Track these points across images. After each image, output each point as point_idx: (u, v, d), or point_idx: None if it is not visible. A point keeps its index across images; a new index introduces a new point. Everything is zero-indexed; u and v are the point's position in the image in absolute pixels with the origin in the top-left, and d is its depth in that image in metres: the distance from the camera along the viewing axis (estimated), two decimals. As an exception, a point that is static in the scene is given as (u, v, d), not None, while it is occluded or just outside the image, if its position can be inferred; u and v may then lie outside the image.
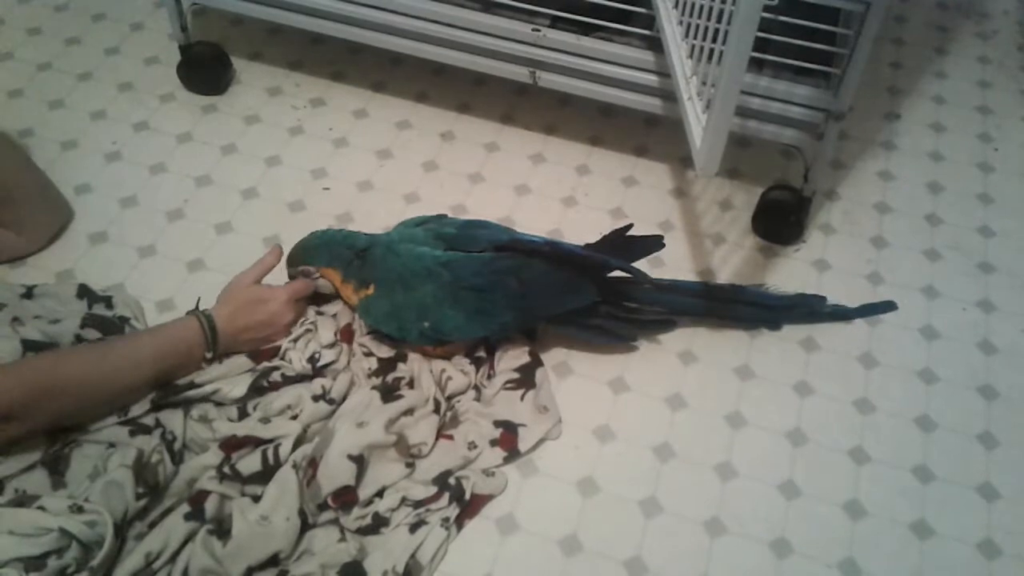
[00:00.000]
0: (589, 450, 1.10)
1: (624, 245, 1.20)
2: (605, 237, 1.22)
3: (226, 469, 1.00)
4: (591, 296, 1.13)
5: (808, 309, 1.24)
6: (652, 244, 1.20)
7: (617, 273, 1.17)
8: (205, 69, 1.47)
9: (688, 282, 1.24)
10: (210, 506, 0.97)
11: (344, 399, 1.09)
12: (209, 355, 1.07)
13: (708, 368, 1.19)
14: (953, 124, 1.53)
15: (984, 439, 1.14)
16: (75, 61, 1.52)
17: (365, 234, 1.16)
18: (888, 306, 1.26)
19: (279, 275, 1.17)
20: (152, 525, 0.96)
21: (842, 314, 1.24)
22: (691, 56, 1.13)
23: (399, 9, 1.31)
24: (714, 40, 1.05)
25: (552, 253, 1.13)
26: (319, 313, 1.16)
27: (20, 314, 1.10)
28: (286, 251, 1.17)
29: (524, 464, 1.09)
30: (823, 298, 1.25)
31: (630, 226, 1.21)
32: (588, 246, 1.20)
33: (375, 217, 1.32)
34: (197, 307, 1.12)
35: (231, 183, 1.36)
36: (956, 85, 1.60)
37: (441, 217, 1.21)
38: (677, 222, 1.35)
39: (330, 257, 1.13)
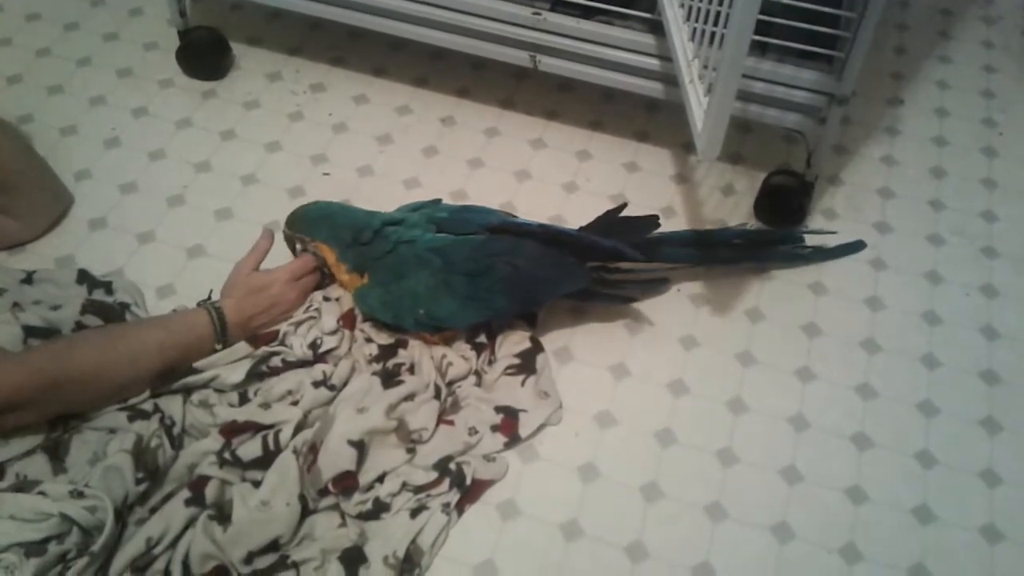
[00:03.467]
0: (590, 436, 1.10)
1: (619, 226, 1.19)
2: (599, 218, 1.22)
3: (226, 455, 0.99)
4: (584, 280, 1.13)
5: (790, 247, 1.27)
6: (647, 224, 1.19)
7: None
8: (204, 55, 1.47)
9: (679, 232, 1.26)
10: (210, 491, 0.97)
11: (345, 385, 1.08)
12: (219, 347, 1.07)
13: (710, 354, 1.19)
14: (957, 109, 1.52)
15: (986, 424, 1.14)
16: (74, 47, 1.51)
17: (369, 216, 1.14)
18: (859, 245, 1.29)
19: (278, 258, 1.16)
20: (153, 510, 0.96)
21: (821, 256, 1.27)
22: (692, 39, 1.12)
23: (399, -7, 1.31)
24: (716, 23, 1.04)
25: (544, 234, 1.12)
26: (325, 299, 1.15)
27: (20, 299, 1.09)
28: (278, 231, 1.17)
29: (525, 449, 1.08)
30: (801, 236, 1.28)
31: (624, 206, 1.21)
32: (583, 228, 1.20)
33: (375, 203, 1.31)
34: (209, 298, 1.11)
35: (231, 169, 1.36)
36: (960, 70, 1.58)
37: (436, 202, 1.21)
38: (679, 207, 1.35)
39: (329, 234, 1.12)
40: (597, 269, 1.17)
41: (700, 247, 1.23)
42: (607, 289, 1.17)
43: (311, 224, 1.14)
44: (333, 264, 1.13)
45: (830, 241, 1.30)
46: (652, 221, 1.19)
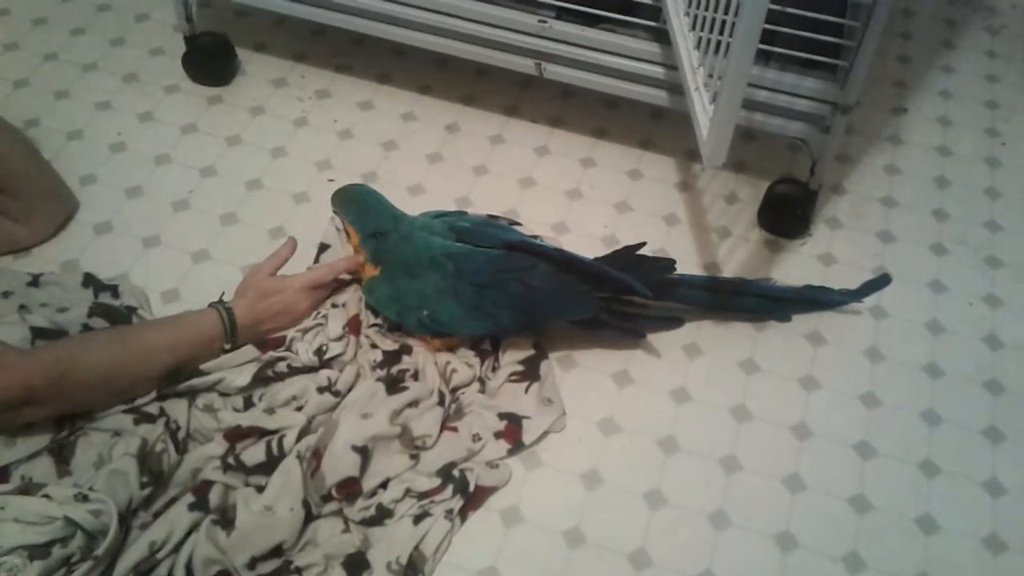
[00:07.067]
0: (593, 443, 1.10)
1: (634, 263, 1.18)
2: (616, 252, 1.21)
3: (230, 459, 0.99)
4: (593, 309, 1.12)
5: (814, 299, 1.24)
6: (663, 266, 1.18)
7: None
8: (210, 60, 1.47)
9: (696, 276, 1.24)
10: (214, 496, 0.97)
11: (349, 391, 1.08)
12: (228, 347, 1.07)
13: (713, 362, 1.19)
14: (960, 119, 1.52)
15: (990, 434, 1.14)
16: (80, 52, 1.52)
17: (393, 213, 1.16)
18: (884, 280, 1.25)
19: (296, 266, 1.16)
20: (156, 515, 0.96)
21: (849, 296, 1.24)
22: (698, 47, 1.13)
23: (404, 0, 1.31)
24: (721, 32, 1.04)
25: (559, 259, 1.13)
26: (333, 305, 1.16)
27: (27, 302, 1.10)
28: (297, 234, 1.19)
29: (528, 456, 1.08)
30: (829, 289, 1.25)
31: (642, 244, 1.21)
32: (598, 258, 1.19)
33: (380, 209, 1.32)
34: (221, 300, 1.12)
35: (236, 174, 1.36)
36: (964, 79, 1.59)
37: (461, 213, 1.22)
38: (682, 215, 1.35)
39: (356, 217, 1.16)
40: (609, 300, 1.16)
41: (716, 293, 1.21)
42: (616, 320, 1.16)
43: (345, 203, 1.18)
44: (356, 245, 1.16)
45: (852, 283, 1.26)
46: (668, 264, 1.18)
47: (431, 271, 1.10)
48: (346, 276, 1.19)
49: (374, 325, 1.15)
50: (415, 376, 1.11)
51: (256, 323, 1.09)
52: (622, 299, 1.17)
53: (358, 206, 1.17)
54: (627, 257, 1.19)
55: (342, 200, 1.18)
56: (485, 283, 1.09)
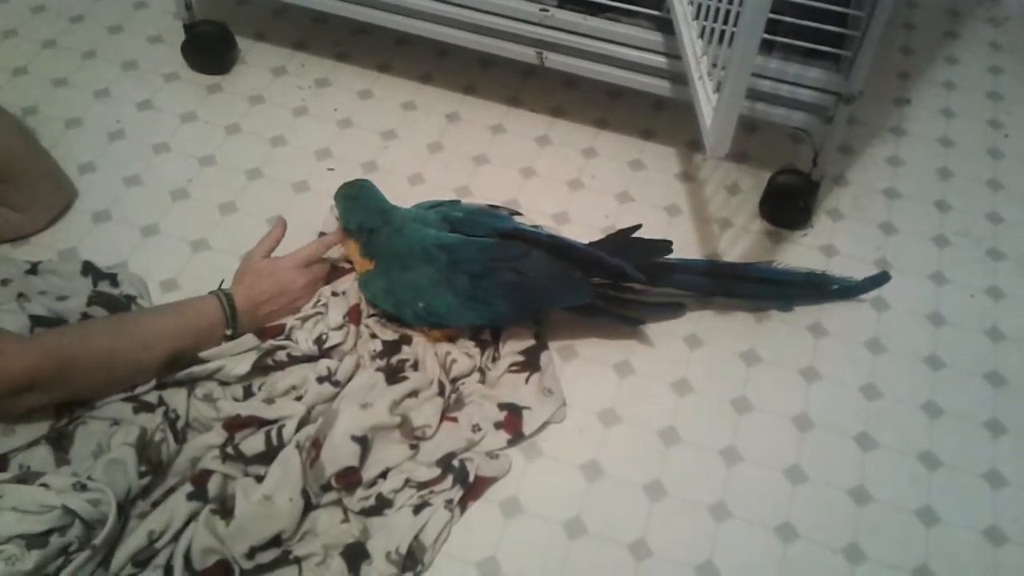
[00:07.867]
0: (594, 433, 1.10)
1: (630, 246, 1.18)
2: (611, 236, 1.21)
3: (229, 449, 0.99)
4: (588, 295, 1.12)
5: (815, 287, 1.23)
6: (659, 248, 1.17)
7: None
8: (209, 48, 1.46)
9: (694, 260, 1.23)
10: (213, 485, 0.97)
11: (349, 380, 1.08)
12: (229, 333, 1.07)
13: (714, 353, 1.18)
14: (963, 110, 1.51)
15: (991, 426, 1.14)
16: (79, 39, 1.51)
17: (384, 208, 1.15)
18: (883, 277, 1.25)
19: (290, 246, 1.16)
20: (155, 504, 0.96)
21: (847, 290, 1.23)
22: (701, 36, 1.12)
23: (405, -12, 1.31)
24: (725, 21, 1.04)
25: (553, 246, 1.12)
26: (333, 294, 1.15)
27: (25, 290, 1.09)
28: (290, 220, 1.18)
29: (528, 447, 1.08)
30: (828, 275, 1.24)
31: (638, 227, 1.20)
32: (593, 243, 1.19)
33: (380, 198, 1.31)
34: (220, 287, 1.11)
35: (235, 163, 1.35)
36: (967, 71, 1.58)
37: (455, 203, 1.21)
38: (684, 206, 1.34)
39: (344, 211, 1.15)
40: (605, 287, 1.16)
41: (715, 278, 1.21)
42: (614, 307, 1.16)
43: (338, 197, 1.17)
44: (346, 241, 1.15)
45: (854, 273, 1.25)
46: (664, 246, 1.17)
47: (425, 263, 1.09)
48: (345, 264, 1.18)
49: (374, 315, 1.15)
50: (415, 366, 1.11)
51: (255, 307, 1.09)
52: (620, 285, 1.17)
53: (346, 201, 1.16)
54: (622, 241, 1.19)
55: (337, 194, 1.17)
56: (479, 272, 1.09)
